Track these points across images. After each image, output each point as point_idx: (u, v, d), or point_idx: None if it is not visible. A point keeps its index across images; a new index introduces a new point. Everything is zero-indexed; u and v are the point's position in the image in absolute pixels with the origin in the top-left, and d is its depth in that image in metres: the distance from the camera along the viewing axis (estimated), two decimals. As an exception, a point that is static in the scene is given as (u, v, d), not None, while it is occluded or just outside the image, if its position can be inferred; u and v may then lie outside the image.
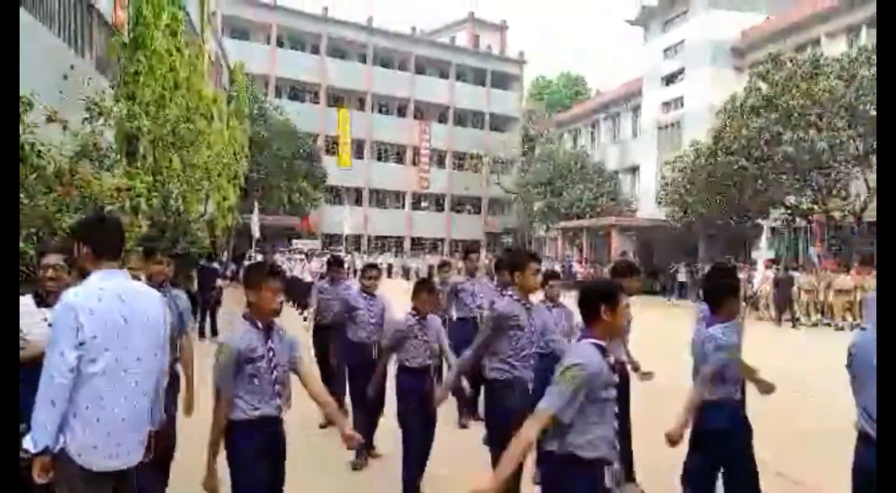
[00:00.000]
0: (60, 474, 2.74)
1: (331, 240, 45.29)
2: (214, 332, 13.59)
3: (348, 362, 6.32)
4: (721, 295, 4.09)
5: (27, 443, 2.70)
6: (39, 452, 2.68)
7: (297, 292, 17.05)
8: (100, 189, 7.72)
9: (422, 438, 5.02)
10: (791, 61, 24.39)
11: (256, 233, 25.63)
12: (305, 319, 10.05)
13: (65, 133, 8.26)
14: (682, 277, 27.46)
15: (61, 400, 2.71)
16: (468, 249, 8.20)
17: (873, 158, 22.31)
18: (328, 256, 14.79)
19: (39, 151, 6.65)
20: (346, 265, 10.77)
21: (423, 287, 5.28)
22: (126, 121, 12.18)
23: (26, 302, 3.67)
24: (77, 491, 2.76)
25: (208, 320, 13.89)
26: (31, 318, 3.59)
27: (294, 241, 35.28)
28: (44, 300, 3.71)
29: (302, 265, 21.35)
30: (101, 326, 2.79)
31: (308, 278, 18.03)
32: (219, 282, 14.56)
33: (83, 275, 3.03)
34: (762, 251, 26.21)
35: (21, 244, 5.29)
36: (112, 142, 12.07)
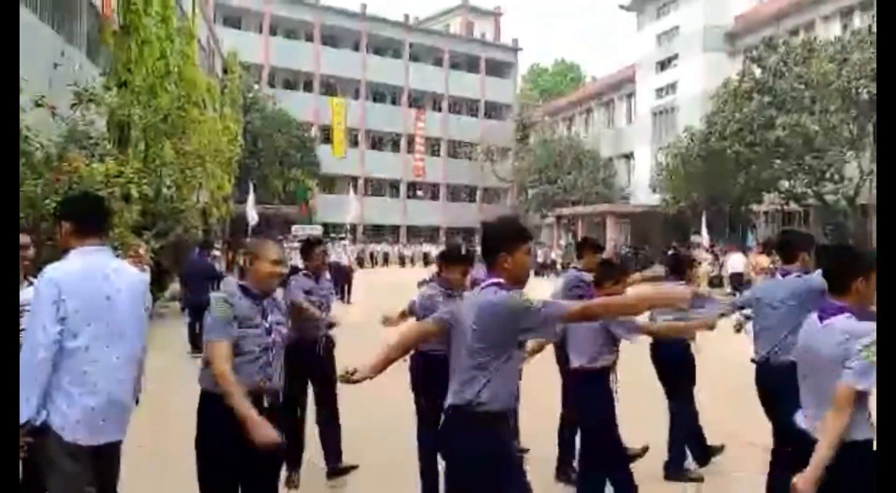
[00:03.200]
0: (43, 449, 2.74)
1: (329, 229, 45.10)
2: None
3: (422, 379, 4.63)
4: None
5: None
6: (20, 425, 2.67)
7: None
8: (89, 175, 7.71)
9: None
10: (784, 45, 24.37)
11: (253, 219, 24.72)
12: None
13: (54, 119, 8.25)
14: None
15: (43, 375, 2.71)
16: None
17: (866, 142, 22.33)
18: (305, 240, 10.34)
19: (27, 137, 6.65)
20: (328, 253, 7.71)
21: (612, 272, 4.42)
22: (117, 109, 12.15)
23: None
24: (60, 466, 2.76)
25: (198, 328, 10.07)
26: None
27: (294, 227, 33.20)
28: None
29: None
30: (84, 301, 2.79)
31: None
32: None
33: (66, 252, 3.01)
34: (703, 236, 26.37)
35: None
36: (104, 130, 12.05)
